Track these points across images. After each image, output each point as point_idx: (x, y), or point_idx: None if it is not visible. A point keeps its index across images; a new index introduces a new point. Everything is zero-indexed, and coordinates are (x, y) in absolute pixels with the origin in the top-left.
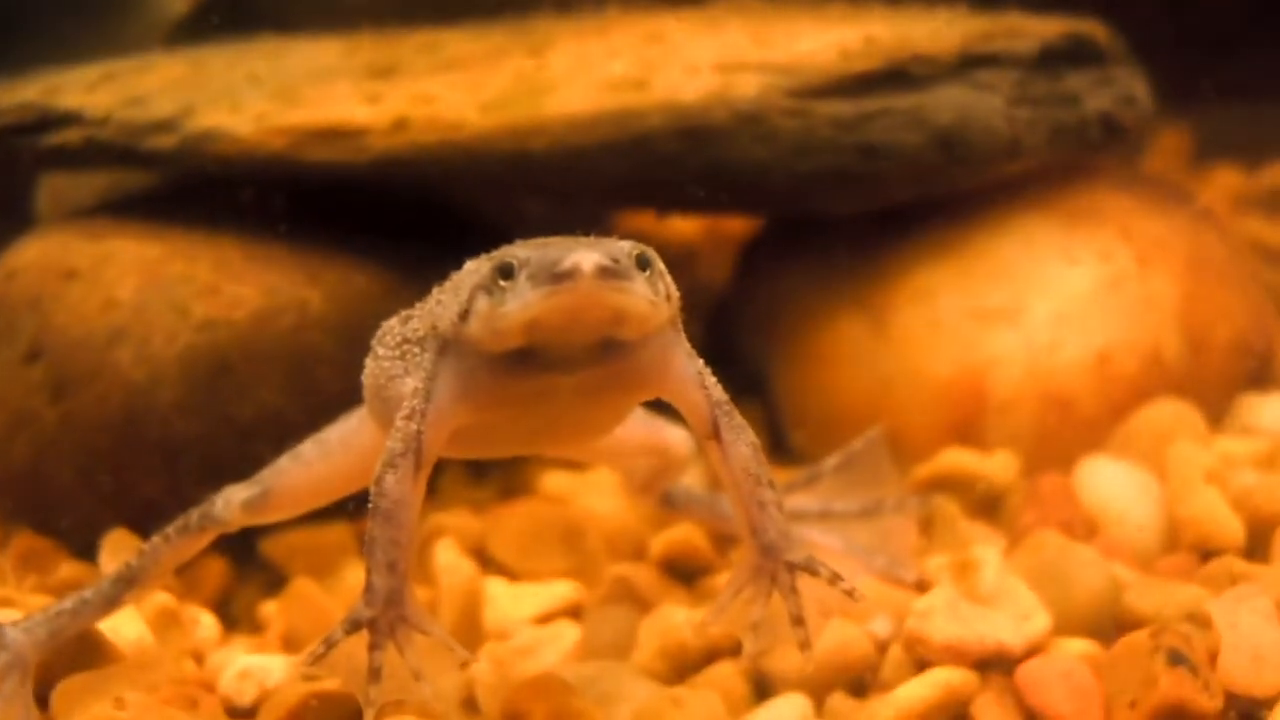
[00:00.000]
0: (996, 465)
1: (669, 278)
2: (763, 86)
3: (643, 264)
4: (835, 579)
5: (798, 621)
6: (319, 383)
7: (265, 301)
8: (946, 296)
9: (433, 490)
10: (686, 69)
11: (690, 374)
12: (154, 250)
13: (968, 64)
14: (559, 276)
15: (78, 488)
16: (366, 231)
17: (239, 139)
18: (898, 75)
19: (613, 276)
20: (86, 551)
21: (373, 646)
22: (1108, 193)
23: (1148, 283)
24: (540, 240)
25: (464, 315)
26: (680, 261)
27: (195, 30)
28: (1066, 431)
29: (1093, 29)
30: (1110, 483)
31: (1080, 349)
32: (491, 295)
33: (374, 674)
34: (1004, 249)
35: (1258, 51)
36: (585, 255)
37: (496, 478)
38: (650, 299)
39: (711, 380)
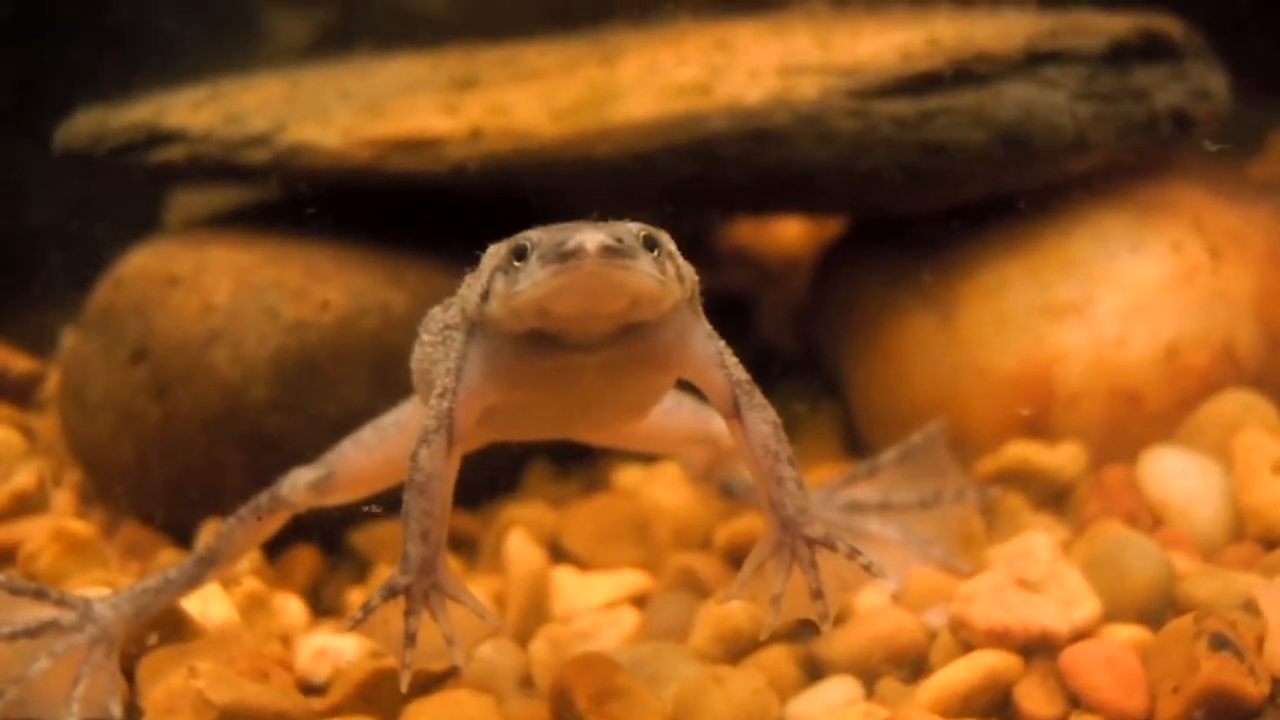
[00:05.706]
0: (1063, 458)
1: (681, 259)
2: (823, 88)
3: (650, 245)
4: (854, 553)
5: (816, 595)
6: (402, 380)
7: (351, 303)
8: (1015, 291)
9: (517, 486)
10: (750, 73)
11: (710, 354)
12: (248, 257)
13: (1033, 61)
14: (565, 255)
15: (178, 481)
16: (449, 234)
17: (328, 151)
18: (960, 74)
19: (617, 255)
20: (185, 541)
21: (408, 612)
22: (1183, 187)
23: (1221, 275)
24: (557, 225)
25: (485, 296)
26: (784, 274)
27: (318, 56)
28: (1135, 424)
29: (1167, 24)
30: (1174, 473)
31: (1148, 342)
32: (507, 275)
33: (409, 638)
34: (1074, 243)
35: None
36: (590, 235)
37: (579, 474)
38: (657, 277)
39: (732, 360)
